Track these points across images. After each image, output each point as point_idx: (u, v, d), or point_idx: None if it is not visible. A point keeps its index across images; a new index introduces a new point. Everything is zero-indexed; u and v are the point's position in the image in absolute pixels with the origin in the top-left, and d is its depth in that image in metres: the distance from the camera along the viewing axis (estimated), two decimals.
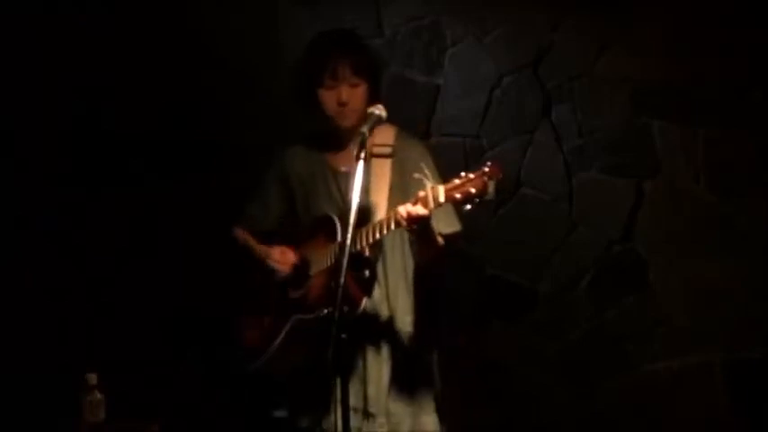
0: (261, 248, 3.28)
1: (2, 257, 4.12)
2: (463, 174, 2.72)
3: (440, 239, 3.07)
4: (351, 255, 2.84)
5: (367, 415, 3.10)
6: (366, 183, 3.03)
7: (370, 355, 3.12)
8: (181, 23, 4.26)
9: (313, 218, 3.19)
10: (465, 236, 3.21)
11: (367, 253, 3.04)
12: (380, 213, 3.04)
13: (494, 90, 4.22)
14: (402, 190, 3.08)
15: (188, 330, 4.20)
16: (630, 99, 4.14)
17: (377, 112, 2.95)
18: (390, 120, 3.06)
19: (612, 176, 4.17)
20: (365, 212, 3.06)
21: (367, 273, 3.08)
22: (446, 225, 3.06)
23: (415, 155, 3.13)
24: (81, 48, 4.19)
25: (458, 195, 2.71)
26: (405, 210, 2.81)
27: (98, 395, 3.35)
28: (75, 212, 4.19)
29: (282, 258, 3.21)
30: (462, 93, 4.23)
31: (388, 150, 3.15)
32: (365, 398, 3.10)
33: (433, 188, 2.75)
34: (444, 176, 3.03)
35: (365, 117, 3.00)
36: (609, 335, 4.16)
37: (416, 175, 2.83)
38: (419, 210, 2.78)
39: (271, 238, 3.30)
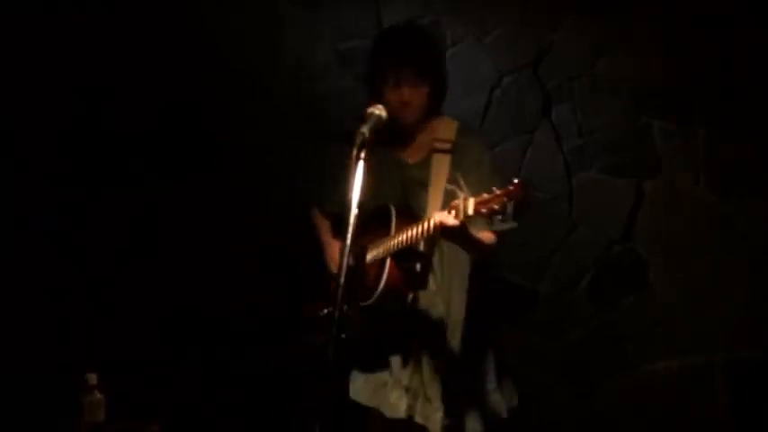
0: (325, 239, 3.44)
1: (2, 257, 4.12)
2: (494, 188, 2.78)
3: (490, 237, 3.13)
4: (408, 246, 3.03)
5: (424, 397, 3.20)
6: (426, 177, 3.20)
7: (425, 343, 3.21)
8: (181, 23, 4.25)
9: (374, 206, 3.22)
10: None
11: (421, 247, 3.15)
12: (436, 208, 3.12)
13: (494, 90, 4.22)
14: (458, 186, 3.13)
15: (188, 330, 4.20)
16: (630, 99, 4.14)
17: (377, 111, 2.96)
18: (451, 114, 3.25)
19: (612, 176, 4.17)
20: (422, 206, 3.19)
21: (418, 266, 3.18)
22: (501, 222, 3.08)
23: (474, 153, 3.24)
24: (81, 48, 4.18)
25: (484, 210, 2.78)
26: (438, 218, 2.92)
27: (98, 395, 3.35)
28: (75, 212, 4.18)
29: (336, 259, 3.28)
30: (462, 93, 4.22)
31: (448, 146, 3.24)
32: (422, 382, 3.20)
33: (465, 199, 2.84)
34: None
35: (427, 113, 3.19)
36: (609, 335, 4.16)
37: (449, 187, 2.94)
38: (450, 220, 2.88)
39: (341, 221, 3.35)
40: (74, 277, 4.18)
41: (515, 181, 2.75)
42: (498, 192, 2.76)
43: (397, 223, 3.14)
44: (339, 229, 3.40)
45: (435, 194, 3.17)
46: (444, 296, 3.23)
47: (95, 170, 4.22)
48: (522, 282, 4.23)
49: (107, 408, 3.36)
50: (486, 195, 2.79)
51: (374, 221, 3.20)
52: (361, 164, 2.78)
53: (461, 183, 2.90)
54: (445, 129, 3.27)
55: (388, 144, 3.26)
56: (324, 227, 3.48)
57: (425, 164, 3.24)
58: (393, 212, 3.16)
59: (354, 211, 2.74)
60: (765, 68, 4.01)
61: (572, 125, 4.19)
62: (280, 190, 4.13)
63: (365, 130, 2.85)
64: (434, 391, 3.20)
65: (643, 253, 4.15)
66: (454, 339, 3.22)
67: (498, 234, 3.14)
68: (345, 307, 2.69)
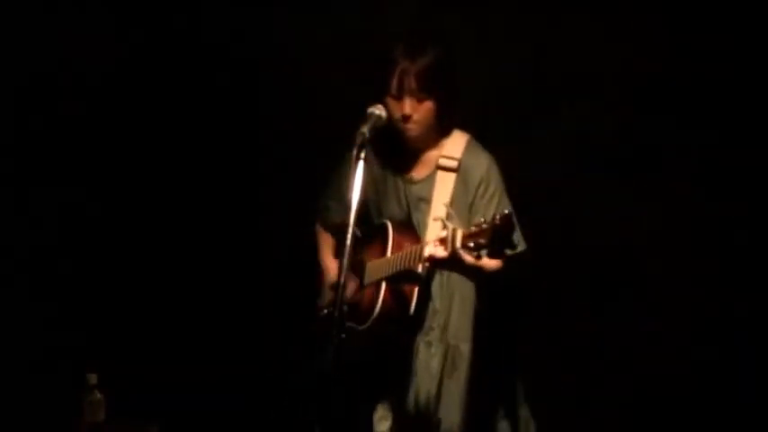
0: (327, 267, 3.34)
1: (2, 257, 4.12)
2: (482, 219, 2.75)
3: (492, 263, 3.07)
4: (402, 270, 2.97)
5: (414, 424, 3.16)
6: (429, 193, 3.13)
7: (420, 366, 3.16)
8: (182, 23, 4.25)
9: (374, 224, 3.20)
10: None
11: (420, 269, 3.07)
12: (437, 226, 3.02)
13: (493, 90, 4.21)
14: (464, 203, 3.10)
15: (189, 331, 4.20)
16: (631, 99, 4.14)
17: (377, 111, 2.96)
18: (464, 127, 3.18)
19: (612, 176, 4.16)
20: (422, 224, 3.13)
21: (416, 290, 3.10)
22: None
23: (480, 172, 3.15)
24: (81, 47, 4.18)
25: (471, 244, 2.75)
26: (427, 252, 2.88)
27: (98, 395, 3.36)
28: (76, 212, 4.18)
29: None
30: (461, 93, 4.22)
31: (453, 164, 3.16)
32: (416, 407, 3.15)
33: (453, 230, 2.80)
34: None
35: (437, 130, 3.11)
36: (609, 335, 4.16)
37: (435, 217, 2.90)
38: (439, 252, 2.84)
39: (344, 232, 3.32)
40: (74, 277, 4.18)
41: (499, 216, 2.71)
42: (483, 226, 2.72)
43: (394, 242, 3.08)
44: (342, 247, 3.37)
45: (435, 212, 3.09)
46: (440, 320, 3.17)
47: (95, 170, 4.23)
48: (521, 282, 4.22)
49: (107, 408, 3.37)
50: (473, 228, 2.75)
51: (376, 238, 3.15)
52: (360, 164, 2.78)
53: (451, 212, 2.86)
54: (453, 145, 3.19)
55: (395, 157, 3.22)
56: (325, 247, 3.39)
57: (429, 180, 3.16)
58: (390, 231, 3.10)
59: (354, 211, 2.74)
60: (766, 68, 4.01)
61: (572, 125, 4.18)
62: (280, 190, 4.13)
63: (365, 129, 2.85)
64: (429, 415, 3.14)
65: (643, 253, 4.15)
66: (450, 364, 3.17)
67: (507, 258, 3.08)
68: (345, 308, 2.69)
